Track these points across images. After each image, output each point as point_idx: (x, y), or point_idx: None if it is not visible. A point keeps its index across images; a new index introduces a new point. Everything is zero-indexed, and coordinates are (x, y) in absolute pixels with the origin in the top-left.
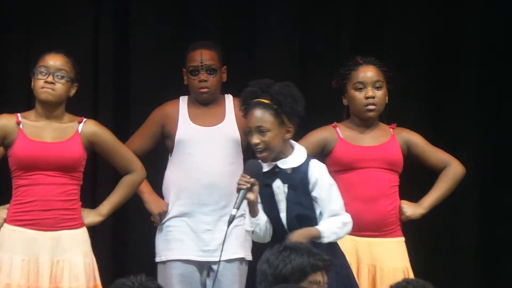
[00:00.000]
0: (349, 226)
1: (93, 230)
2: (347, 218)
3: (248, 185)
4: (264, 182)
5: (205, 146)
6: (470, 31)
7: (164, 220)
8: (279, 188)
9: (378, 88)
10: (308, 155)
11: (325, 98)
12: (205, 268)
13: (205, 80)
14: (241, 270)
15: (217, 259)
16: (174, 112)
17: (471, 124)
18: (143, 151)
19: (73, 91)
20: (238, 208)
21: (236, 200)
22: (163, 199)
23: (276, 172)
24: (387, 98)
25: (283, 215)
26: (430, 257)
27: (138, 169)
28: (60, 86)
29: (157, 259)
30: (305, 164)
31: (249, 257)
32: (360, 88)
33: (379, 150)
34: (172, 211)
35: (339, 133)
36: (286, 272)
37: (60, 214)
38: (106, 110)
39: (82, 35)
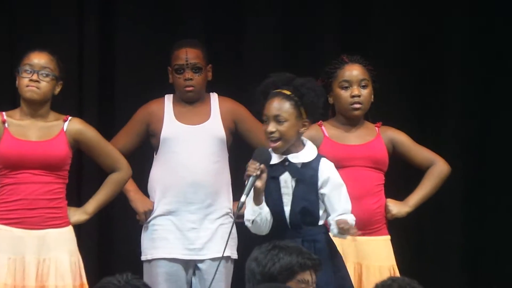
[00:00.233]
0: None
1: (79, 229)
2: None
3: (258, 172)
4: (271, 175)
5: (190, 145)
6: (453, 31)
7: (149, 219)
8: (286, 181)
9: (363, 86)
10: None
11: None
12: (190, 266)
13: (191, 79)
14: (227, 268)
15: (203, 258)
16: (159, 110)
17: (456, 123)
18: (128, 149)
19: (58, 89)
20: (247, 195)
21: (245, 187)
22: (149, 198)
23: (286, 166)
24: (372, 96)
25: (287, 209)
26: (416, 255)
27: (124, 167)
28: (45, 84)
29: (143, 258)
30: (316, 161)
31: (234, 255)
32: (346, 87)
33: (365, 149)
34: (158, 209)
35: (324, 132)
36: (275, 271)
37: (45, 213)
38: (91, 108)
39: (66, 33)
